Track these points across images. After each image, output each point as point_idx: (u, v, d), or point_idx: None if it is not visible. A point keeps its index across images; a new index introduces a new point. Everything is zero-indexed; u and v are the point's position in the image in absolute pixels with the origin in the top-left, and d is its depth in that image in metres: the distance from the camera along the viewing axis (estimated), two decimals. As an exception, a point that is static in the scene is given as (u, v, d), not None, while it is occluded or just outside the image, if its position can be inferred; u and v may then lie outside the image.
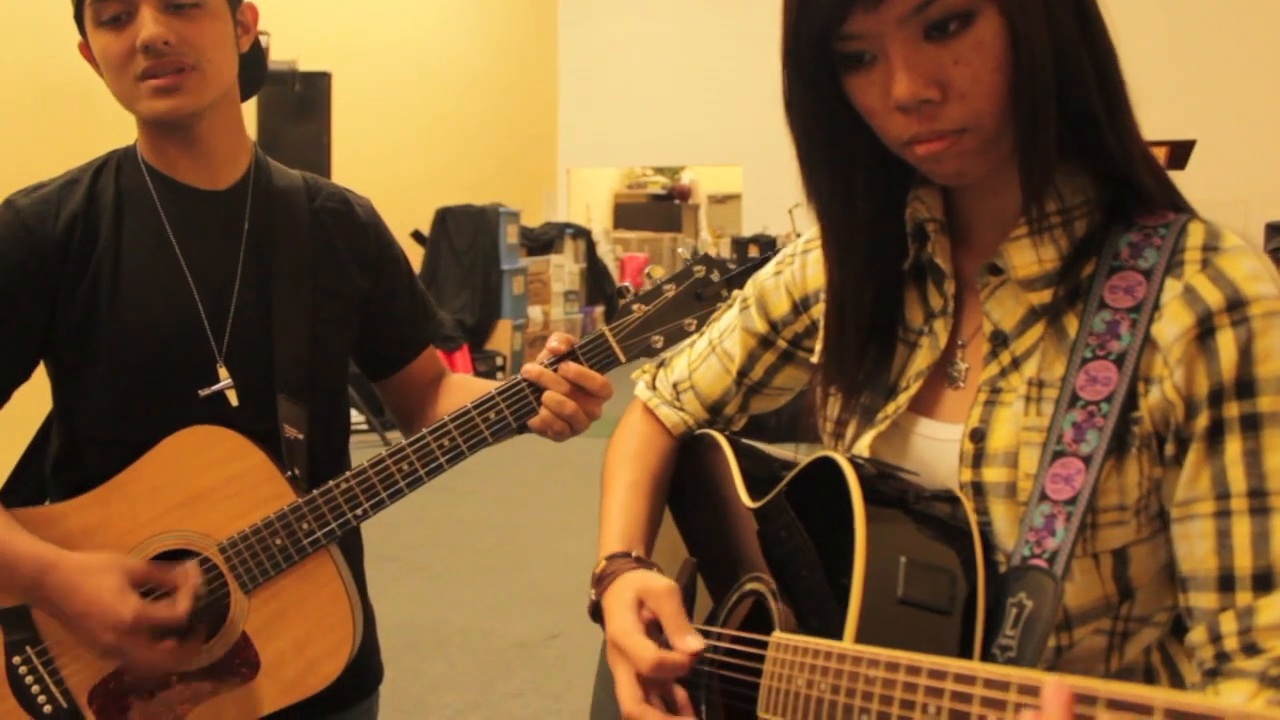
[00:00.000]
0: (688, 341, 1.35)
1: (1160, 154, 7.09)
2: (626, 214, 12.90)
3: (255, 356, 1.48)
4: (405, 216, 8.30)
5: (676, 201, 12.99)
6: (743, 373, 1.25)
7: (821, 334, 1.13)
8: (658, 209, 12.95)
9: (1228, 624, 0.87)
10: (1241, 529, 0.86)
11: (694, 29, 10.34)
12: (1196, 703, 0.55)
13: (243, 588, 1.40)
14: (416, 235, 8.49)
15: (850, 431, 1.08)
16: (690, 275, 1.44)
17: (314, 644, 1.41)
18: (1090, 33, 0.92)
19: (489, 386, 1.46)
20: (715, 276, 1.43)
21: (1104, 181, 0.96)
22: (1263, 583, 0.85)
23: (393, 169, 8.36)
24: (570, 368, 1.41)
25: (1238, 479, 0.87)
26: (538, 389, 1.41)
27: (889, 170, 1.01)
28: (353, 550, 1.58)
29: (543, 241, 9.72)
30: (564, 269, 9.68)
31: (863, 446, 1.05)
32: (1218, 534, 0.87)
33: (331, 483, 1.41)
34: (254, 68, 1.57)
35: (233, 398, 1.46)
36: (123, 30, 1.37)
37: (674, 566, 1.22)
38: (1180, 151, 7.09)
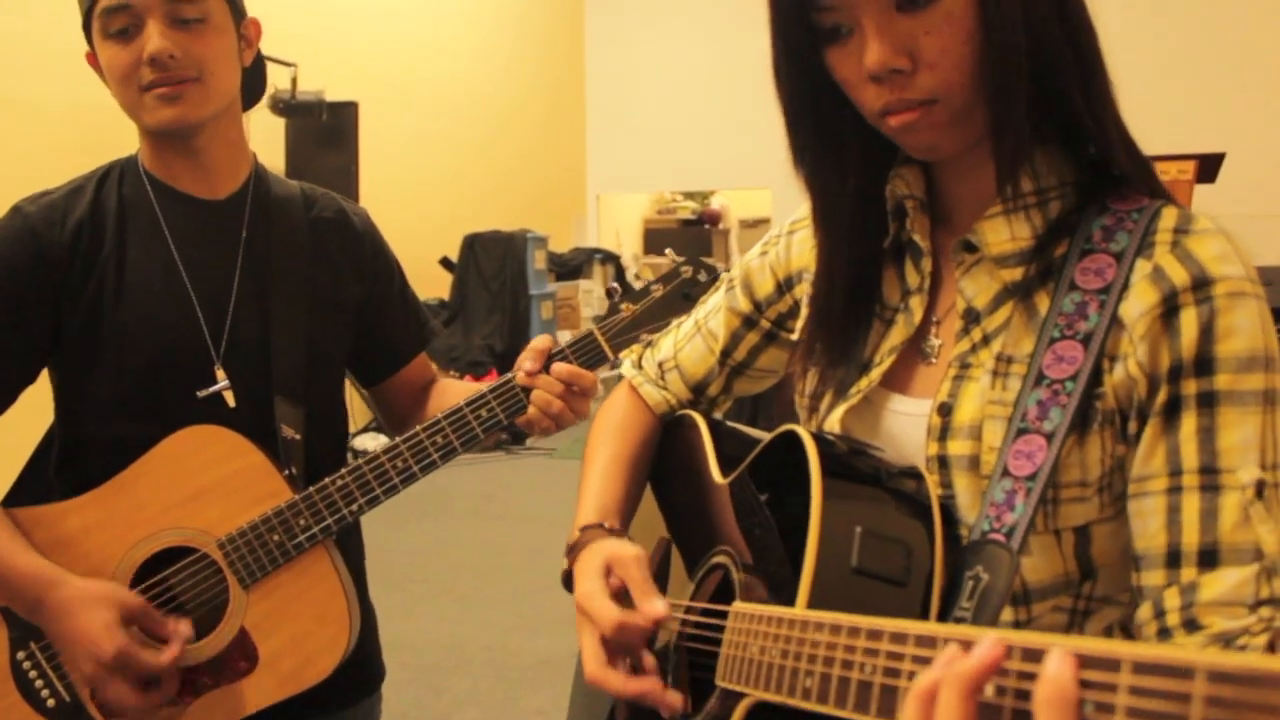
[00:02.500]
0: (676, 322, 1.37)
1: (1189, 168, 7.02)
2: (657, 239, 12.91)
3: (252, 359, 1.51)
4: (433, 243, 8.36)
5: (706, 226, 13.01)
6: (726, 353, 1.26)
7: (805, 310, 1.14)
8: (688, 234, 12.96)
9: (1171, 600, 0.87)
10: (1191, 506, 0.87)
11: (720, 54, 10.36)
12: (1103, 648, 0.56)
13: (241, 583, 1.43)
14: (445, 262, 8.55)
15: (824, 405, 1.10)
16: (678, 276, 1.48)
17: (311, 638, 1.44)
18: (1066, 11, 0.93)
19: (477, 389, 1.48)
20: (702, 277, 1.47)
21: (1082, 164, 0.97)
22: (1208, 559, 0.86)
23: (420, 196, 8.43)
24: (562, 367, 1.44)
25: (1190, 456, 0.87)
26: (528, 388, 1.44)
27: (876, 146, 1.03)
28: (353, 552, 1.61)
29: (571, 267, 9.76)
30: (593, 294, 9.71)
31: (834, 420, 1.07)
32: (1168, 510, 0.88)
33: (327, 479, 1.44)
34: (255, 79, 1.61)
35: (230, 399, 1.49)
36: (129, 43, 1.41)
37: (652, 543, 1.23)
38: (1210, 165, 7.00)
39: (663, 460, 1.30)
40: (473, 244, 8.56)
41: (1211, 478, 0.86)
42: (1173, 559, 0.87)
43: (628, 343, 1.44)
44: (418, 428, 1.46)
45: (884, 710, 0.71)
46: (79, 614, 1.36)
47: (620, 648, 1.05)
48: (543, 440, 7.65)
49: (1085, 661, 0.56)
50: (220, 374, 1.49)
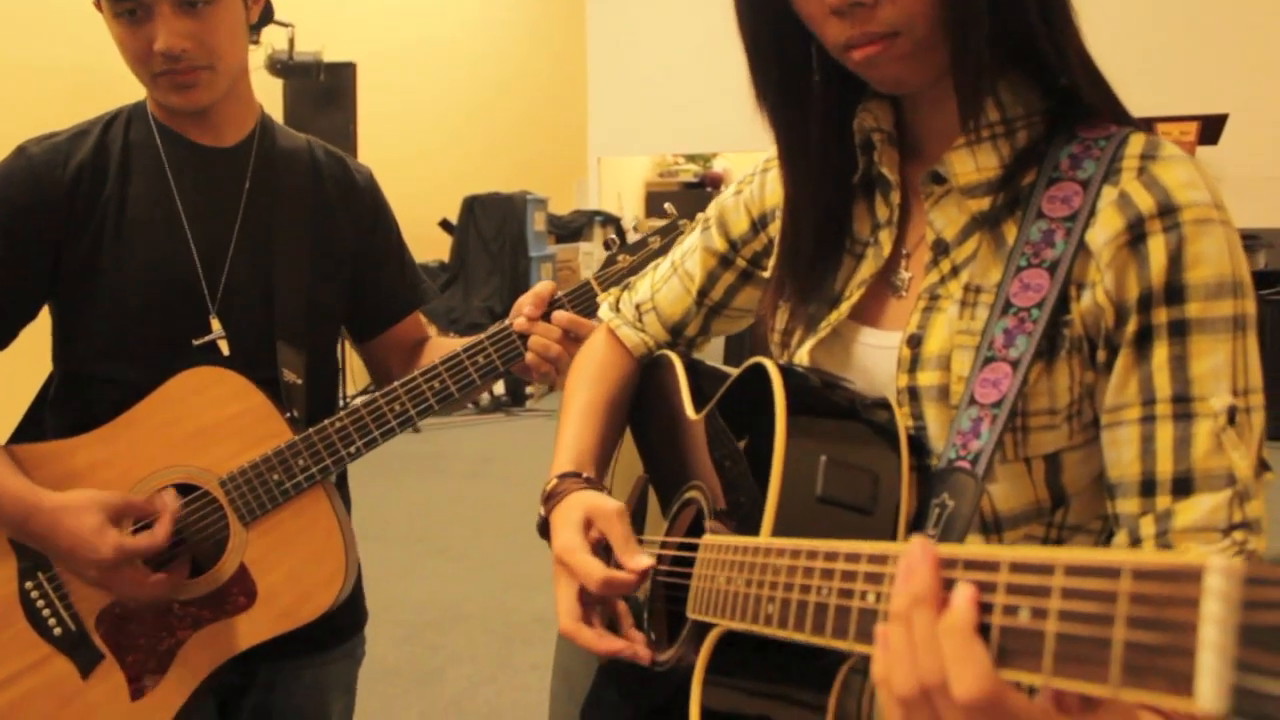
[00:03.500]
0: (653, 265, 1.37)
1: (1191, 129, 6.99)
2: (659, 202, 12.90)
3: (252, 306, 1.54)
4: (433, 205, 8.32)
5: (708, 189, 12.97)
6: (703, 293, 1.27)
7: (776, 245, 1.15)
8: (690, 196, 12.91)
9: (1146, 527, 0.88)
10: (1164, 434, 0.87)
11: (723, 16, 10.28)
12: (1038, 555, 0.57)
13: (241, 520, 1.47)
14: (444, 224, 8.53)
15: (795, 341, 1.10)
16: (675, 229, 1.51)
17: (308, 575, 1.48)
18: None
19: (459, 341, 1.51)
20: None
21: (1049, 94, 0.97)
22: (1182, 487, 0.87)
23: (420, 158, 8.40)
24: (562, 315, 1.47)
25: (1163, 385, 0.88)
26: (524, 335, 1.46)
27: (840, 81, 1.03)
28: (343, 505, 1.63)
29: (571, 229, 9.73)
30: (593, 256, 9.68)
31: (804, 354, 1.07)
32: (1142, 439, 0.88)
33: (326, 422, 1.47)
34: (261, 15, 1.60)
35: (224, 348, 1.52)
36: (138, 27, 1.42)
37: (630, 483, 1.25)
38: (1212, 126, 6.97)
39: (640, 401, 1.31)
40: (472, 206, 8.51)
41: (1184, 406, 0.87)
42: (1147, 487, 0.88)
43: None
44: (415, 372, 1.49)
45: (839, 632, 0.72)
46: (65, 524, 1.39)
47: (597, 602, 1.07)
48: (542, 401, 7.67)
49: (1021, 568, 0.58)
50: (215, 323, 1.52)
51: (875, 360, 1.04)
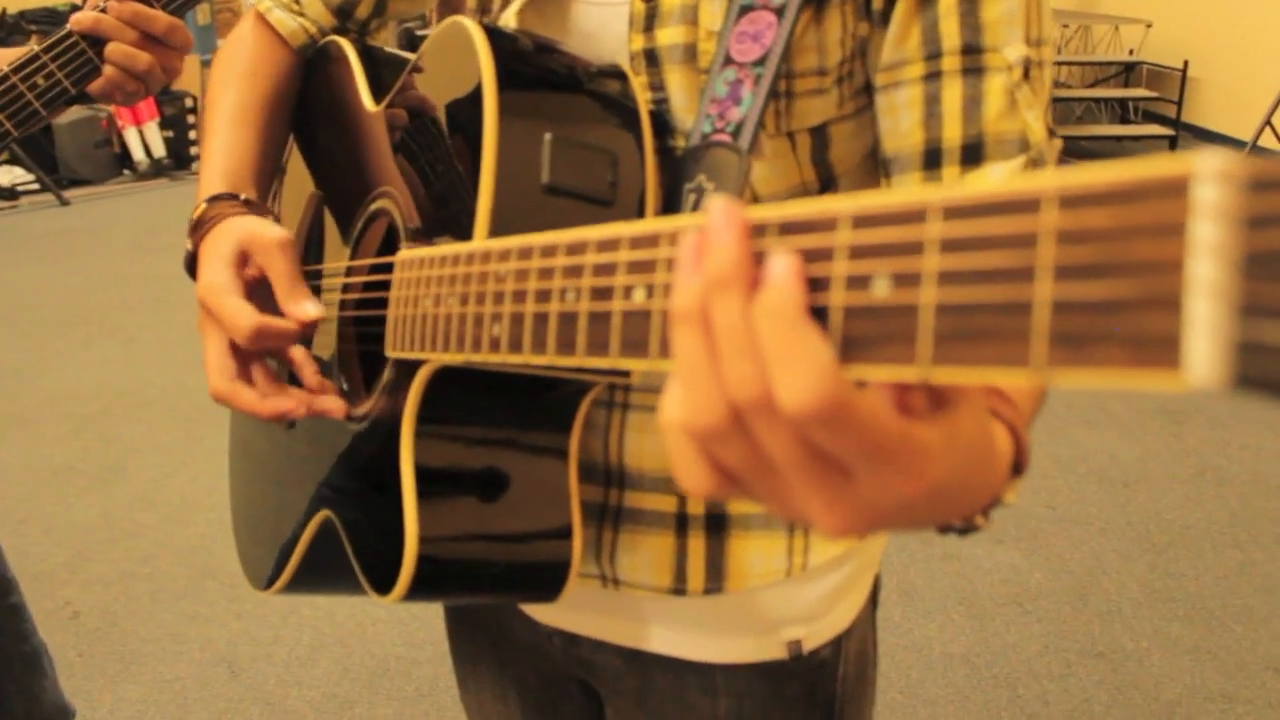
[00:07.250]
0: None
1: None
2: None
3: None
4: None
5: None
6: None
7: None
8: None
9: None
10: (952, 93, 0.73)
11: None
12: (899, 201, 0.39)
13: None
14: (75, -30, 7.55)
15: (496, 5, 0.88)
16: None
17: None
18: None
19: (11, 54, 1.15)
20: None
21: None
22: (971, 154, 0.74)
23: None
24: (124, 6, 1.12)
25: (951, 33, 0.73)
26: (98, 42, 1.13)
27: None
28: None
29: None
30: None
31: (509, 18, 0.86)
32: (925, 101, 0.74)
33: None
34: None
35: None
36: None
37: (301, 204, 1.01)
38: None
39: (305, 101, 1.06)
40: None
41: (975, 58, 0.73)
42: (931, 158, 0.75)
43: None
44: None
45: (595, 347, 0.53)
46: None
47: (257, 355, 0.85)
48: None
49: (870, 221, 0.39)
50: None
51: (601, 21, 0.84)
